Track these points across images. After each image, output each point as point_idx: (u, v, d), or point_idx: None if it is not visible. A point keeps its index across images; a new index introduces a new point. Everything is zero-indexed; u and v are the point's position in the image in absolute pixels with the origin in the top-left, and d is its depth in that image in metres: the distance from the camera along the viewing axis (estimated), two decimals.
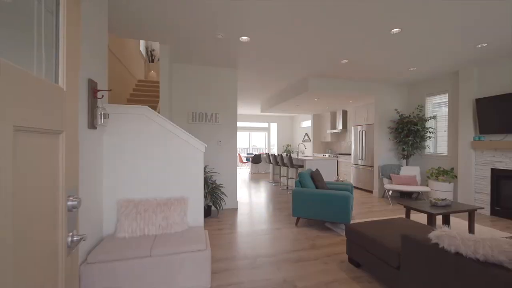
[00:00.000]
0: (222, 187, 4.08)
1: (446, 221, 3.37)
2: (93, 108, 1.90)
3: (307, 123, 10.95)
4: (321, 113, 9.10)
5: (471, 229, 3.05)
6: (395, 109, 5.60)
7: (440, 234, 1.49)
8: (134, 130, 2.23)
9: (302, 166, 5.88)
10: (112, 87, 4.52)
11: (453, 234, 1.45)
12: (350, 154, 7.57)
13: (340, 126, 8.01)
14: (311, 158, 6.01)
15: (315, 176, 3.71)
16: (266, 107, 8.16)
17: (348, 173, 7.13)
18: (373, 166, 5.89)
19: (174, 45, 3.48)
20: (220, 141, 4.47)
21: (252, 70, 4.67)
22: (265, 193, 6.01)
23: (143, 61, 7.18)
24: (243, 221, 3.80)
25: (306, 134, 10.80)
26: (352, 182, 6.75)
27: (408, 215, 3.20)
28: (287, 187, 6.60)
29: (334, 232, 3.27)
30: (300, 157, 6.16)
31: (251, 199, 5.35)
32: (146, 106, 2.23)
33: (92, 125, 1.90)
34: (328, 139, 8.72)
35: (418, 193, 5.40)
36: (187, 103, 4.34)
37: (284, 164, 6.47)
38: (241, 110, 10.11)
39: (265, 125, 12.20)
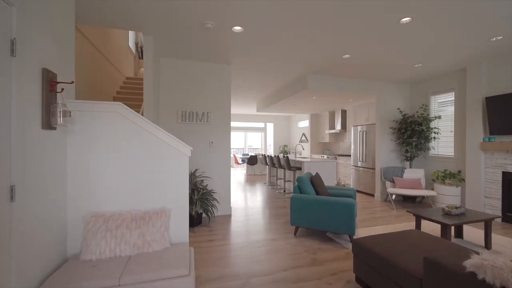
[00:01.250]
0: (214, 192, 3.74)
1: (459, 231, 3.09)
2: (49, 104, 1.55)
3: (304, 123, 10.66)
4: (319, 112, 8.82)
5: (487, 240, 2.77)
6: (398, 109, 5.32)
7: (480, 263, 1.19)
8: (105, 130, 1.88)
9: (300, 169, 5.58)
10: (95, 84, 4.15)
11: (497, 264, 1.14)
12: (349, 155, 7.30)
13: (338, 126, 7.73)
14: (309, 160, 5.71)
15: (316, 181, 3.40)
16: (262, 106, 7.84)
17: (348, 175, 6.85)
18: (374, 168, 5.61)
19: (159, 36, 3.14)
20: (212, 143, 4.14)
21: (247, 66, 4.35)
22: (261, 197, 5.68)
23: (133, 57, 6.81)
24: (237, 230, 3.47)
25: (303, 134, 10.51)
26: (352, 184, 6.47)
27: (418, 225, 2.90)
28: (284, 190, 6.29)
29: (337, 244, 2.96)
30: (297, 159, 5.85)
31: (246, 203, 5.02)
32: (120, 103, 1.89)
33: (48, 125, 1.55)
34: (326, 139, 8.44)
35: (422, 197, 5.13)
36: (176, 101, 4.00)
37: (281, 166, 6.15)
38: (237, 109, 9.78)
39: (261, 125, 11.88)
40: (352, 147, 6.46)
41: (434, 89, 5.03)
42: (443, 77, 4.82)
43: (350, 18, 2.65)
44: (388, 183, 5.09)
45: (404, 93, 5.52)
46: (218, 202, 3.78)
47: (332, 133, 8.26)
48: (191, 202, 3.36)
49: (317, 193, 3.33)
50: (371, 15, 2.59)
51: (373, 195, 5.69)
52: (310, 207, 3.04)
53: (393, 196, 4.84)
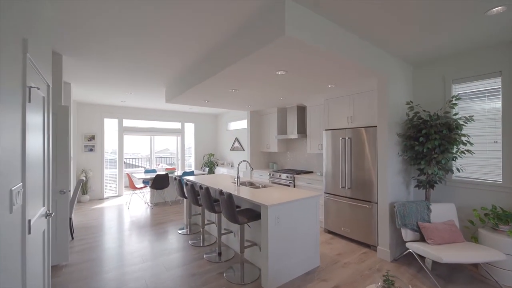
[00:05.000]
0: None
1: None
2: None
3: (238, 124, 7.89)
4: (262, 109, 6.21)
5: None
6: (408, 103, 3.24)
7: None
8: None
9: (257, 217, 2.68)
10: None
11: None
12: (309, 172, 4.99)
13: (294, 130, 5.31)
14: (273, 202, 2.92)
15: None
16: (173, 94, 4.52)
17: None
18: (372, 202, 3.37)
19: None
20: None
21: None
22: (171, 282, 2.43)
23: None
24: None
25: (237, 139, 7.73)
26: (323, 223, 4.08)
27: None
28: (220, 253, 3.25)
29: None
30: (249, 198, 2.94)
31: None
32: None
33: None
34: (274, 148, 5.92)
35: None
36: None
37: (214, 210, 3.07)
38: (134, 101, 5.98)
39: (177, 125, 8.34)
40: (325, 163, 4.10)
41: (458, 75, 3.19)
42: (478, 53, 3.00)
43: None
44: (407, 233, 2.88)
45: (407, 78, 3.53)
46: None
47: (283, 139, 5.81)
48: None
49: None
50: None
51: (368, 246, 3.44)
52: None
53: (429, 264, 2.62)
